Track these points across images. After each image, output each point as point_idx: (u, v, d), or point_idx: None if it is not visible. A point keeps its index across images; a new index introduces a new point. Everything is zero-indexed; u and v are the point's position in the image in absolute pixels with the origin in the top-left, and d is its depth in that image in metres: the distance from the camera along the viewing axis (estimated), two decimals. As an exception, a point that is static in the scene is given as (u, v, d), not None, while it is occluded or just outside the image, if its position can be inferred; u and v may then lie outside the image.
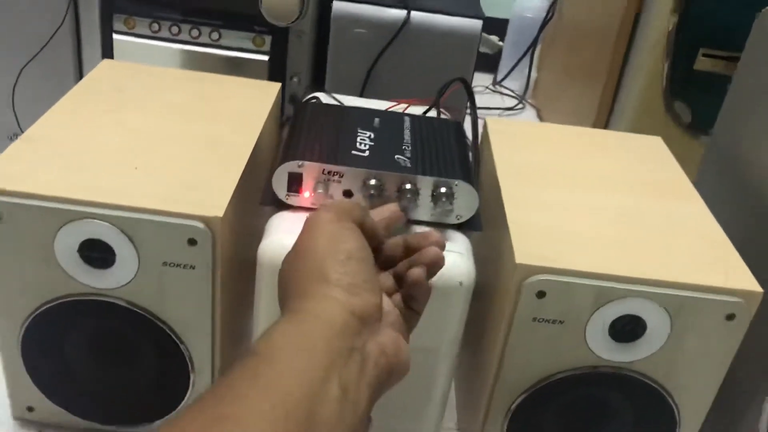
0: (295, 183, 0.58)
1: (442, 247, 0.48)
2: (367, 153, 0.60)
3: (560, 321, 0.56)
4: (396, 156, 0.60)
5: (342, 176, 0.58)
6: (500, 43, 1.40)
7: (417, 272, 0.47)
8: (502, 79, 1.50)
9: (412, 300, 0.48)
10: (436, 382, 0.62)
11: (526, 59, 1.46)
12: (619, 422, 0.62)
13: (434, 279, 0.48)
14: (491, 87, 1.50)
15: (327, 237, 0.45)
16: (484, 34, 0.95)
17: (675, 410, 0.60)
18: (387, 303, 0.47)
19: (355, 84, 0.94)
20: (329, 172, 0.57)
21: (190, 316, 0.60)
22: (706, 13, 0.95)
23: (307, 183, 0.58)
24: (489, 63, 1.47)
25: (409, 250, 0.49)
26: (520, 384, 0.60)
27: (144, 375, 0.63)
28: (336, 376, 0.38)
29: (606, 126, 1.08)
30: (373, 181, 0.57)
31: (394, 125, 0.65)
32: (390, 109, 0.74)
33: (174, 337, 0.60)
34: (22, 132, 0.62)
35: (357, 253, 0.45)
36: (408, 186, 0.57)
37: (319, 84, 0.96)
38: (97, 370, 0.64)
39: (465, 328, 0.60)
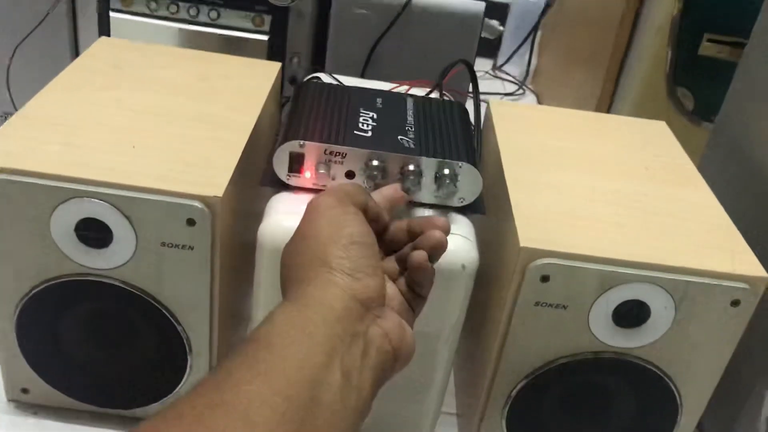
0: (296, 163, 0.57)
1: (447, 232, 0.48)
2: (369, 133, 0.59)
3: (564, 306, 0.56)
4: (399, 137, 0.59)
5: (344, 157, 0.57)
6: (501, 28, 1.39)
7: (420, 256, 0.46)
8: (503, 65, 1.49)
9: (416, 284, 0.47)
10: (436, 368, 0.62)
11: (527, 44, 1.45)
12: (620, 408, 0.62)
13: (437, 262, 0.47)
14: (491, 72, 1.49)
15: (329, 222, 0.45)
16: (486, 19, 0.93)
17: (677, 396, 0.60)
18: (391, 288, 0.46)
19: (356, 65, 0.93)
20: (331, 153, 0.57)
21: (188, 297, 0.59)
22: (712, -2, 0.95)
23: (309, 163, 0.57)
24: (489, 48, 1.46)
25: (413, 235, 0.49)
26: (522, 369, 0.59)
27: (141, 357, 0.63)
28: (338, 362, 0.38)
29: (608, 112, 1.07)
30: (375, 162, 0.56)
31: (396, 106, 0.64)
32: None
33: (171, 319, 0.59)
34: (17, 111, 0.61)
35: (359, 238, 0.44)
36: (411, 167, 0.57)
37: (319, 65, 0.95)
38: (93, 351, 0.63)
39: (467, 312, 0.59)
